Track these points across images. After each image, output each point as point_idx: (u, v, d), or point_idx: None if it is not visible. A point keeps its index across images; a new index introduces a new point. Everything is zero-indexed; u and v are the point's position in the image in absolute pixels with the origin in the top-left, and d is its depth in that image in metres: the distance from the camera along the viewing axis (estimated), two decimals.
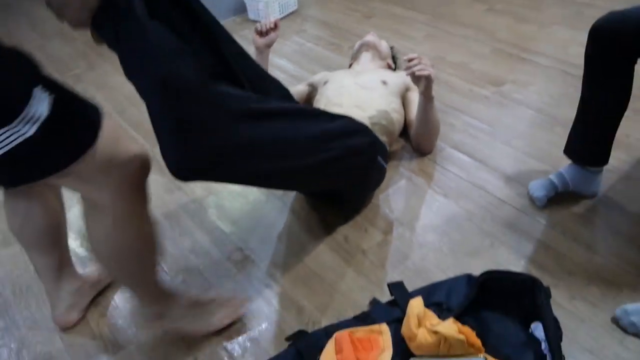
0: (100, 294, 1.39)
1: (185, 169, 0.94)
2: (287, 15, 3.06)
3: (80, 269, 1.36)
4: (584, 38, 1.31)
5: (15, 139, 0.76)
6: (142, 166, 0.98)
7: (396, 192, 1.65)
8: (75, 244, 1.57)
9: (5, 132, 0.75)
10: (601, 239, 1.40)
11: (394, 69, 2.09)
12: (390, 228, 1.51)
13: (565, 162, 1.53)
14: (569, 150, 1.49)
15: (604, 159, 1.46)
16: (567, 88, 2.08)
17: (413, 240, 1.46)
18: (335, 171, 1.26)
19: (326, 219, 1.57)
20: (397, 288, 1.24)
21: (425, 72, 1.53)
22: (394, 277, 1.36)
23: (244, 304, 1.30)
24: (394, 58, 2.13)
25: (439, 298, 1.20)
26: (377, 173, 1.51)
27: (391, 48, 2.14)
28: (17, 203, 1.16)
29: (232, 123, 0.97)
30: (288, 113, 1.15)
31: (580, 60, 1.34)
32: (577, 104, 1.42)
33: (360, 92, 1.69)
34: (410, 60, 1.55)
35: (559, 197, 1.53)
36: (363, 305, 1.29)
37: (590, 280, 1.29)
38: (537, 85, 2.13)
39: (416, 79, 1.56)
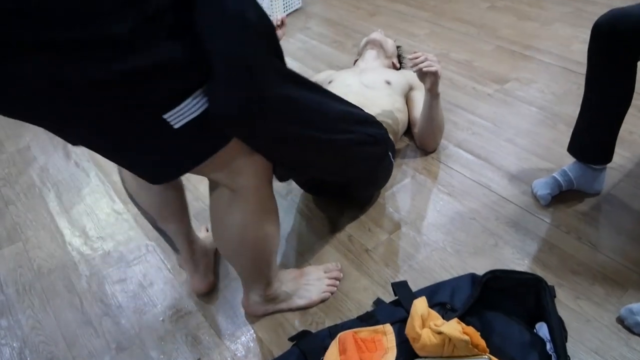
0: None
1: (234, 112, 0.88)
2: (291, 13, 3.05)
3: None
4: (586, 35, 1.31)
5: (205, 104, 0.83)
6: None
7: (400, 190, 1.64)
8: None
9: (198, 95, 0.82)
10: (605, 238, 1.40)
11: (399, 68, 2.08)
12: (394, 227, 1.51)
13: (568, 160, 1.53)
14: (572, 148, 1.49)
15: (608, 157, 1.45)
16: (570, 85, 2.07)
17: (417, 240, 1.46)
18: (353, 156, 1.26)
19: (331, 218, 1.57)
20: (401, 288, 1.24)
21: (432, 68, 1.52)
22: (397, 276, 1.35)
23: (339, 270, 1.37)
24: (400, 57, 2.12)
25: (442, 298, 1.20)
26: (385, 169, 1.50)
27: (398, 47, 2.14)
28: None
29: (281, 78, 0.95)
30: (321, 90, 1.14)
31: (583, 58, 1.33)
32: (580, 102, 1.41)
33: (364, 91, 1.69)
34: (415, 57, 1.54)
35: (563, 196, 1.52)
36: (367, 306, 1.29)
37: (595, 279, 1.29)
38: (540, 82, 2.12)
39: (422, 75, 1.55)
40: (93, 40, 0.70)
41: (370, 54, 2.00)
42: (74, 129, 0.85)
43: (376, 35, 2.05)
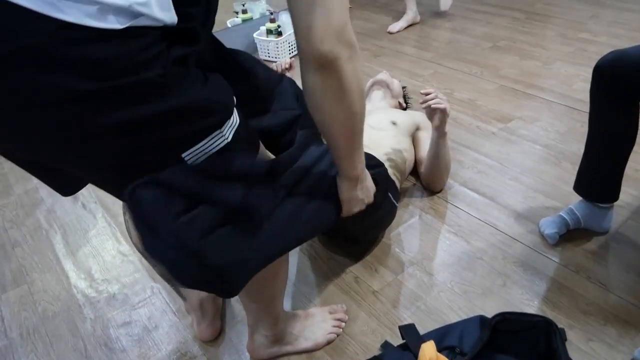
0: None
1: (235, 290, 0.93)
2: (296, 55, 3.12)
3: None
4: (587, 74, 1.33)
5: (221, 142, 0.84)
6: None
7: (406, 230, 1.64)
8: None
9: (217, 134, 0.83)
10: (615, 277, 1.38)
11: (405, 108, 2.11)
12: (401, 268, 1.50)
13: (574, 198, 1.52)
14: (578, 187, 1.49)
15: (615, 195, 1.44)
16: (574, 123, 2.09)
17: (424, 280, 1.44)
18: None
19: (336, 258, 1.56)
20: (408, 331, 1.22)
21: (441, 105, 1.54)
22: (405, 318, 1.33)
23: (344, 312, 1.36)
24: (405, 97, 2.15)
25: (451, 341, 1.18)
26: (388, 211, 1.50)
27: (403, 88, 2.17)
28: None
29: (278, 206, 0.95)
30: (315, 157, 1.09)
31: (585, 96, 1.35)
32: (584, 140, 1.42)
33: (370, 132, 1.70)
34: (427, 94, 1.56)
35: (570, 234, 1.51)
36: (374, 349, 1.26)
37: (606, 320, 1.26)
38: (543, 121, 2.14)
39: (431, 112, 1.57)
40: (127, 86, 0.72)
41: (377, 95, 2.03)
42: (83, 169, 0.86)
43: (382, 76, 2.09)
